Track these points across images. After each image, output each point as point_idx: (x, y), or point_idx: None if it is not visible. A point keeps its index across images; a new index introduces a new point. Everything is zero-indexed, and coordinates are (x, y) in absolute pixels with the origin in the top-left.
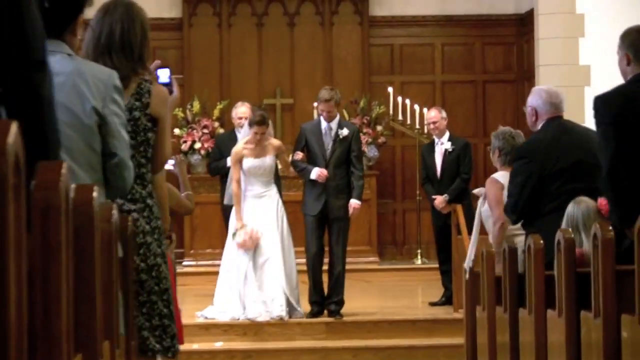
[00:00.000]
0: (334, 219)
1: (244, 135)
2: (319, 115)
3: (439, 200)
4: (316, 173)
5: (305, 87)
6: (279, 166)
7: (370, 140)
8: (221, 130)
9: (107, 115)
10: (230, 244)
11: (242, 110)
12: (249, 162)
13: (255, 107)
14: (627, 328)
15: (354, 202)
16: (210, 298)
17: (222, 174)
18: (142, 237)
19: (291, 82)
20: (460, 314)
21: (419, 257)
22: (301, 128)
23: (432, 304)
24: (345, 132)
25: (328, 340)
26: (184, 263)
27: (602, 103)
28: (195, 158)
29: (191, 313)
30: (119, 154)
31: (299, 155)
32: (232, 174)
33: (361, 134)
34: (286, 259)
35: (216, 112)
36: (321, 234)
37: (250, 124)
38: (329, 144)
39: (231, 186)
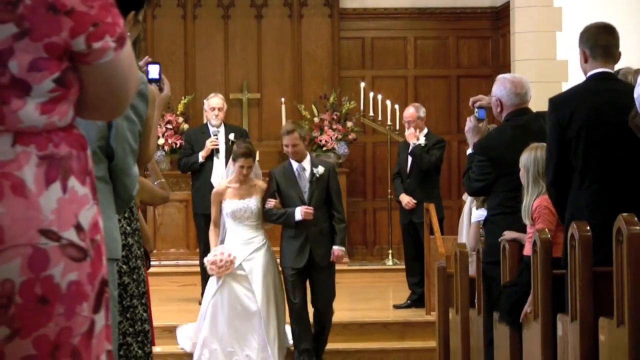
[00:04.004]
0: (319, 268)
1: (227, 173)
2: (279, 154)
3: (403, 195)
4: (300, 212)
5: (272, 81)
6: None
7: (340, 136)
8: (186, 126)
9: None
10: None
11: (214, 101)
12: (232, 205)
13: (240, 140)
14: (604, 331)
15: (337, 249)
16: (175, 301)
17: (193, 170)
18: (124, 238)
19: (258, 77)
20: (432, 317)
21: (390, 257)
22: (270, 173)
23: (397, 307)
24: (321, 170)
25: None
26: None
27: (553, 107)
28: (158, 154)
29: (155, 315)
30: (117, 158)
31: (272, 202)
32: (212, 216)
33: (331, 130)
34: (272, 322)
35: (180, 107)
36: (304, 286)
37: (235, 157)
38: (305, 186)
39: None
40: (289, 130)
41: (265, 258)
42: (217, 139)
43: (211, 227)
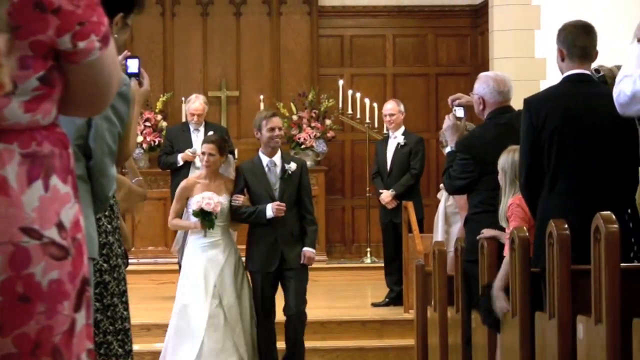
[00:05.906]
0: (290, 270)
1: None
2: (257, 151)
3: (385, 194)
4: (271, 208)
5: (251, 79)
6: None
7: (318, 134)
8: (164, 124)
9: (94, 117)
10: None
11: (194, 107)
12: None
13: (211, 135)
14: (582, 329)
15: (307, 251)
16: (153, 300)
17: (171, 168)
18: (104, 236)
19: (237, 74)
20: (410, 315)
21: (369, 255)
22: (238, 169)
23: (375, 305)
24: (293, 166)
25: None
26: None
27: (527, 109)
28: (137, 152)
29: (133, 313)
30: (94, 158)
31: (240, 199)
32: (173, 209)
33: (309, 128)
34: (237, 327)
35: (159, 105)
36: (274, 293)
37: (203, 144)
38: (275, 182)
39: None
40: (275, 112)
41: (234, 267)
42: (192, 154)
43: (171, 218)
